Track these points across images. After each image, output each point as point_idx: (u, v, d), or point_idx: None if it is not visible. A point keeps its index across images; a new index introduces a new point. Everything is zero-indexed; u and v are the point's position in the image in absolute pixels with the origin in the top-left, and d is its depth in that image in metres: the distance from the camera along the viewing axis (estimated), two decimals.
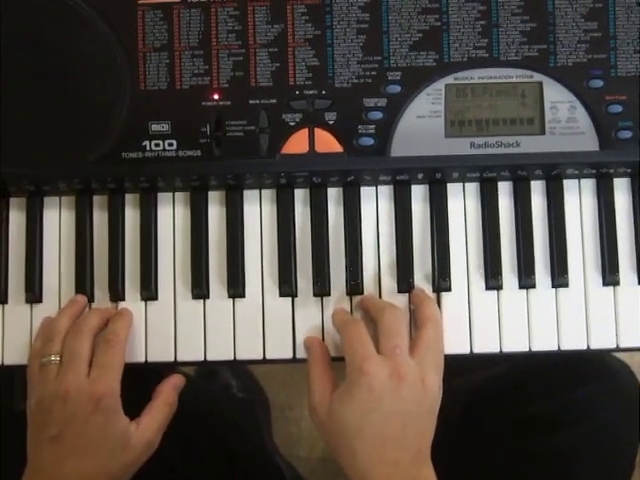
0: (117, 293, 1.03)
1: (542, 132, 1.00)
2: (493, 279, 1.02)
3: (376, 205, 1.04)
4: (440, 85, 1.00)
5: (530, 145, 1.00)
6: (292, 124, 1.00)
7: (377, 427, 0.92)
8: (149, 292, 1.02)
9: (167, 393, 1.02)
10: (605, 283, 1.03)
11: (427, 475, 0.94)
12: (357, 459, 0.92)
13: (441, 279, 1.02)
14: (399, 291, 1.02)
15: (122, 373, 0.97)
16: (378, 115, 0.99)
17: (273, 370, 1.92)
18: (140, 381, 1.00)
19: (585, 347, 1.02)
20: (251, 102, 1.00)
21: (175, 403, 1.03)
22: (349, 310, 1.03)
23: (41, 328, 1.03)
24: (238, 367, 1.89)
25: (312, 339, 1.02)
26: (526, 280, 1.02)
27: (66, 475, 0.94)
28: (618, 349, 1.03)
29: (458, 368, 1.35)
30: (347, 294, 1.03)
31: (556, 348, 1.02)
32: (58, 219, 1.05)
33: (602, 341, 1.02)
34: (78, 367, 0.95)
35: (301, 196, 1.04)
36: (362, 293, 1.02)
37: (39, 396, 0.96)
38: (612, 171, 1.02)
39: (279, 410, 1.92)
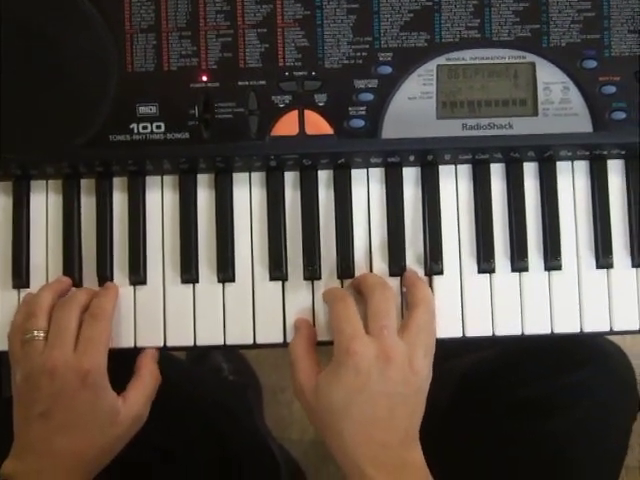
0: (105, 277, 1.02)
1: (535, 113, 0.99)
2: (485, 262, 1.01)
3: (367, 188, 1.03)
4: (432, 66, 0.99)
5: (523, 126, 0.99)
6: (282, 106, 0.99)
7: (364, 408, 0.91)
8: (138, 276, 1.02)
9: (148, 366, 1.01)
10: (598, 266, 1.02)
11: (415, 457, 0.93)
12: (344, 440, 0.91)
13: (433, 262, 1.01)
14: (390, 274, 1.01)
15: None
16: (369, 97, 0.98)
17: (264, 353, 1.92)
18: (125, 357, 1.00)
19: (578, 330, 1.02)
20: (240, 84, 0.99)
21: (158, 375, 1.02)
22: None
23: (23, 303, 1.01)
24: (229, 351, 1.89)
25: (302, 320, 1.01)
26: (519, 263, 1.01)
27: (55, 451, 0.93)
28: (612, 332, 1.03)
29: (449, 351, 1.35)
30: (338, 277, 1.02)
31: (549, 331, 1.01)
32: (45, 203, 1.04)
33: (595, 324, 1.02)
34: (65, 342, 0.94)
35: (291, 179, 1.03)
36: (353, 276, 1.01)
37: (25, 372, 0.95)
38: (606, 153, 1.01)
39: (271, 393, 1.91)
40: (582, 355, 1.14)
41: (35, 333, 0.96)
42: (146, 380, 1.00)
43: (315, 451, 1.86)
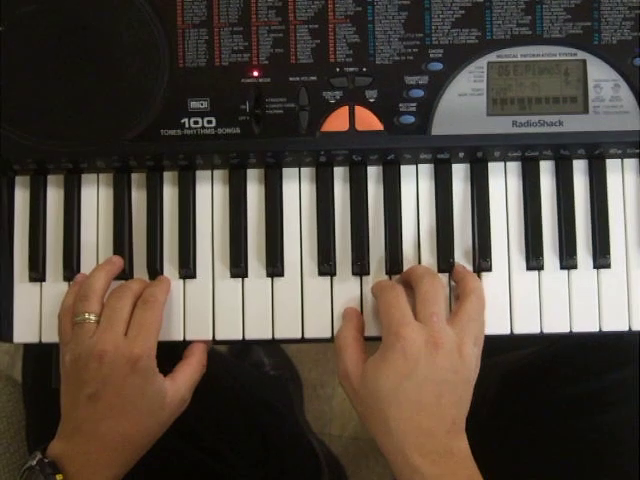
0: (155, 271, 1.03)
1: (585, 111, 0.99)
2: (534, 259, 1.01)
3: (416, 184, 1.03)
4: (482, 63, 0.99)
5: (573, 124, 0.99)
6: (332, 102, 0.99)
7: (411, 394, 0.91)
8: (187, 270, 1.02)
9: (199, 353, 1.02)
10: None
11: (461, 446, 0.93)
12: (390, 427, 0.91)
13: (482, 259, 1.01)
14: (439, 270, 1.01)
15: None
16: (419, 93, 0.98)
17: (305, 348, 1.92)
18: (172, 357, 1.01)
19: (627, 328, 1.01)
20: (291, 79, 0.99)
21: (205, 363, 1.03)
22: None
23: (74, 284, 1.02)
24: (270, 345, 1.90)
25: (352, 309, 1.01)
26: (568, 260, 1.01)
27: (102, 433, 0.94)
28: None
29: (492, 348, 1.35)
30: (386, 273, 1.02)
31: (597, 329, 1.01)
32: (96, 197, 1.05)
33: None
34: (117, 327, 0.95)
35: (340, 174, 1.03)
36: (401, 272, 1.02)
37: (74, 354, 0.96)
38: None
39: (311, 388, 1.92)
40: (628, 353, 1.14)
41: (87, 316, 0.97)
42: (194, 366, 1.01)
43: (355, 447, 1.87)
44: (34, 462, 0.93)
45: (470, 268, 1.02)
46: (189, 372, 1.00)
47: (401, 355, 0.91)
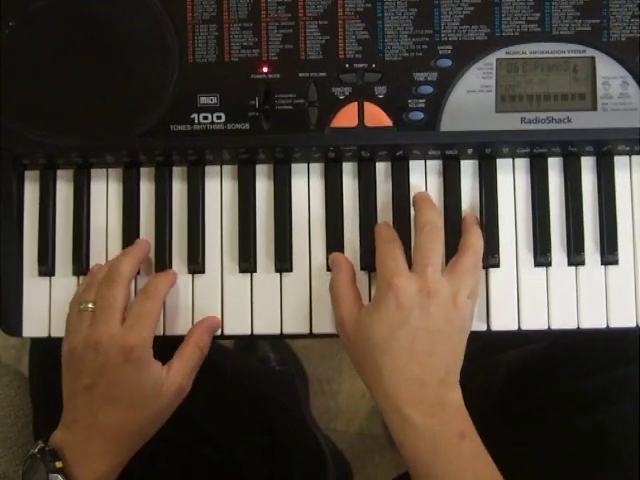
0: (164, 266, 1.03)
1: (594, 108, 0.99)
2: (542, 255, 1.01)
3: (425, 180, 1.03)
4: (491, 59, 0.99)
5: (581, 121, 0.99)
6: (341, 97, 0.99)
7: (404, 342, 0.91)
8: (196, 265, 1.02)
9: (199, 336, 1.01)
10: None
11: (454, 398, 0.93)
12: (382, 375, 0.92)
13: (490, 255, 1.01)
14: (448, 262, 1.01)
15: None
16: (428, 89, 0.99)
17: (311, 344, 1.93)
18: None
19: (634, 325, 1.02)
20: (300, 75, 0.99)
21: (207, 347, 1.02)
22: None
23: (88, 276, 1.03)
24: (276, 340, 1.90)
25: (339, 255, 1.02)
26: (575, 257, 1.01)
27: (100, 423, 0.95)
28: None
29: (496, 344, 1.35)
30: None
31: (605, 326, 1.01)
32: (105, 191, 1.05)
33: None
34: (110, 316, 0.95)
35: (349, 170, 1.04)
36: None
37: (71, 344, 0.97)
38: None
39: (317, 384, 1.92)
40: (631, 350, 1.14)
41: (84, 305, 0.98)
42: (190, 352, 1.00)
43: (361, 442, 1.87)
44: (35, 450, 0.94)
45: None
46: (186, 359, 0.99)
47: (394, 304, 0.92)
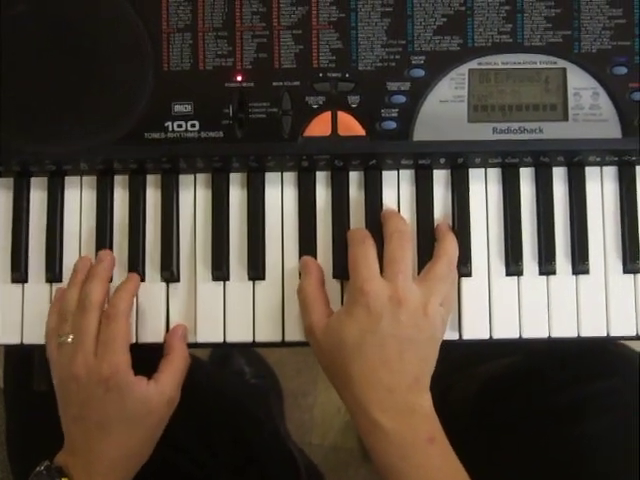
0: (137, 274, 1.03)
1: (565, 118, 1.00)
2: (514, 265, 1.01)
3: (397, 189, 1.04)
4: (464, 70, 1.00)
5: (553, 131, 1.00)
6: (315, 107, 1.00)
7: (374, 349, 0.92)
8: (169, 273, 1.02)
9: (179, 346, 1.01)
10: (626, 270, 1.02)
11: (423, 404, 0.93)
12: (352, 381, 0.92)
13: (462, 264, 1.01)
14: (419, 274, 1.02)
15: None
16: (401, 99, 0.99)
17: (286, 357, 1.93)
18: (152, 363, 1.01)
19: (605, 334, 1.02)
20: (274, 84, 1.00)
21: (187, 355, 1.02)
22: None
23: (54, 302, 1.02)
24: (251, 353, 1.90)
25: (309, 259, 1.02)
26: (547, 266, 1.01)
27: (96, 450, 0.95)
28: (638, 337, 1.03)
29: (472, 357, 1.36)
30: None
31: (576, 335, 1.02)
32: (79, 199, 1.05)
33: (622, 329, 1.02)
34: (85, 347, 0.96)
35: (323, 179, 1.04)
36: None
37: (58, 377, 0.98)
38: (634, 158, 1.02)
39: (292, 397, 1.92)
40: (608, 363, 1.15)
41: (64, 338, 0.98)
42: (176, 363, 1.00)
43: (335, 456, 1.87)
44: (42, 468, 0.95)
45: None
46: (172, 370, 0.99)
47: (365, 310, 0.92)
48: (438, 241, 1.00)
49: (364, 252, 0.96)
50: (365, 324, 0.92)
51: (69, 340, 0.97)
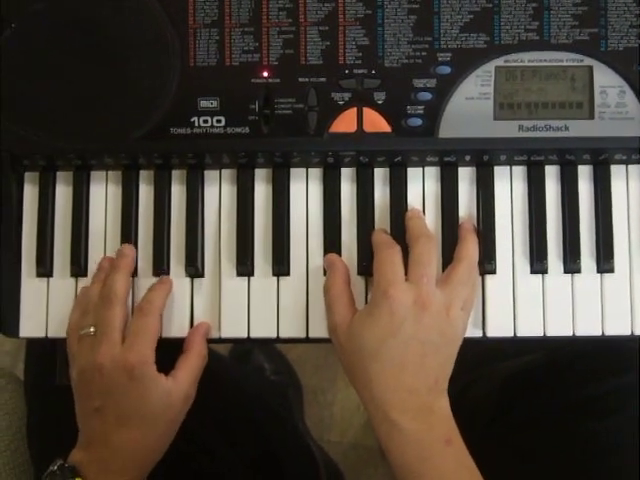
0: (162, 269, 1.03)
1: (591, 116, 1.00)
2: (538, 263, 1.01)
3: (422, 186, 1.03)
4: (490, 67, 1.00)
5: (579, 129, 1.00)
6: (341, 103, 1.00)
7: (396, 352, 0.92)
8: (194, 268, 1.03)
9: (199, 344, 1.02)
10: None
11: (441, 405, 0.94)
12: (372, 382, 0.93)
13: (486, 262, 1.01)
14: (444, 271, 1.02)
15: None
16: (427, 96, 0.99)
17: (306, 354, 1.93)
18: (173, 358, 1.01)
19: (629, 333, 1.02)
20: (300, 80, 1.00)
21: (206, 353, 1.03)
22: None
23: (78, 298, 1.03)
24: (271, 350, 1.90)
25: (334, 256, 1.02)
26: (571, 265, 1.01)
27: (113, 443, 0.96)
28: None
29: (492, 355, 1.35)
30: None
31: (600, 333, 1.02)
32: (104, 194, 1.05)
33: None
34: (110, 338, 0.96)
35: (348, 175, 1.04)
36: None
37: (79, 368, 0.98)
38: None
39: (311, 394, 1.92)
40: (628, 359, 1.15)
41: (86, 330, 0.99)
42: (194, 360, 1.01)
43: (354, 453, 1.87)
44: (55, 467, 0.95)
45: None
46: (189, 367, 1.00)
47: (388, 313, 0.92)
48: (460, 242, 1.00)
49: (391, 256, 0.97)
50: (388, 327, 0.92)
51: (91, 331, 0.98)
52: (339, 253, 1.02)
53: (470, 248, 0.99)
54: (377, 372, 0.92)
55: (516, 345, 1.16)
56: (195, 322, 1.03)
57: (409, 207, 1.03)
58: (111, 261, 1.03)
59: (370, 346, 0.93)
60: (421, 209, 1.03)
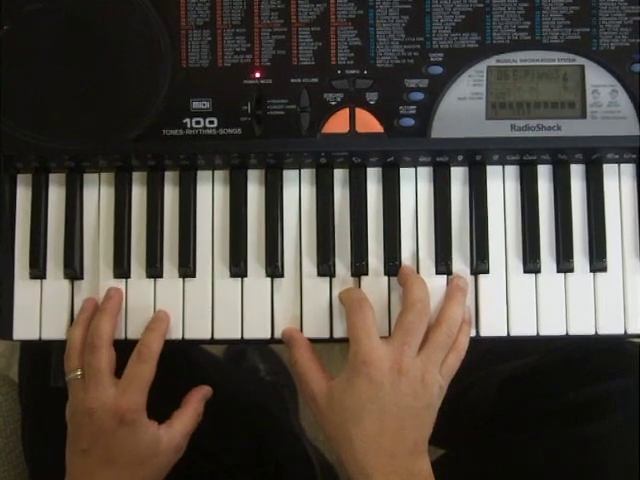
0: (155, 270, 1.03)
1: (583, 116, 1.00)
2: (531, 262, 1.01)
3: (415, 186, 1.04)
4: (482, 67, 1.00)
5: (571, 129, 1.00)
6: (333, 103, 1.00)
7: (375, 417, 0.94)
8: (187, 269, 1.03)
9: (197, 403, 1.04)
10: None
11: (422, 467, 0.95)
12: (354, 447, 0.94)
13: (479, 261, 1.01)
14: (437, 273, 1.02)
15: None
16: (419, 96, 0.99)
17: None
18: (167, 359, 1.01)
19: (622, 332, 1.02)
20: (292, 81, 1.00)
21: (201, 413, 1.05)
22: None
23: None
24: (266, 350, 1.90)
25: (291, 330, 1.03)
26: (564, 264, 1.01)
27: None
28: None
29: (488, 358, 1.36)
30: (384, 274, 1.03)
31: (593, 332, 1.02)
32: (97, 195, 1.05)
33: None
34: (100, 382, 0.97)
35: (340, 176, 1.04)
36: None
37: (70, 410, 0.99)
38: None
39: None
40: (625, 361, 1.15)
41: (72, 374, 0.99)
42: (190, 415, 1.03)
43: None
44: None
45: (468, 270, 1.03)
46: (185, 420, 1.02)
47: (366, 380, 0.94)
48: (445, 301, 1.01)
49: (363, 319, 0.97)
50: (366, 393, 0.94)
51: (78, 374, 0.99)
52: (332, 253, 1.03)
53: (453, 310, 0.99)
54: (358, 435, 0.94)
55: (514, 348, 1.16)
56: (187, 323, 1.03)
57: (404, 266, 1.02)
58: (92, 302, 1.03)
59: (351, 411, 0.94)
60: (414, 208, 1.03)
